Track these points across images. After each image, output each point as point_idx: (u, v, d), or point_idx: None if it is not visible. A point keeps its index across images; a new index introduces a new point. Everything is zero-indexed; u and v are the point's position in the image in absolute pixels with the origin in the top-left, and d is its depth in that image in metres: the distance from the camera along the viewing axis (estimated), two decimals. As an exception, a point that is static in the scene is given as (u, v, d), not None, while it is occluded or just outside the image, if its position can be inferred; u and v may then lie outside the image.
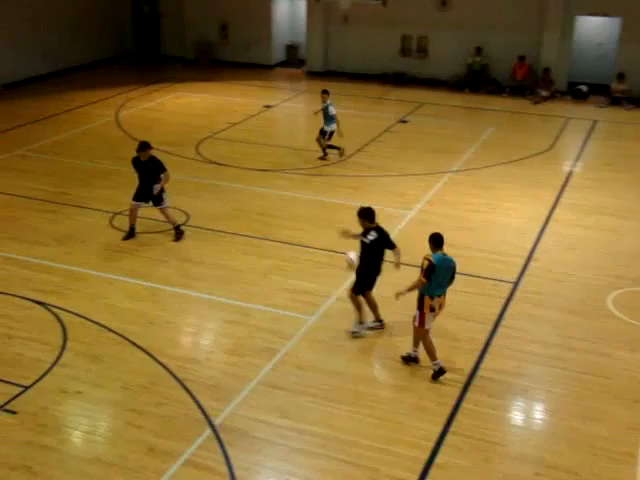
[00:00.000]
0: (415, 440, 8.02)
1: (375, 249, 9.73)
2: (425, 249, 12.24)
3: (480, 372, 9.19)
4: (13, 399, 8.49)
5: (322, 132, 16.37)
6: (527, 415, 8.74)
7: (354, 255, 9.86)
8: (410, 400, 8.69)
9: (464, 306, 10.64)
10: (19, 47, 22.34)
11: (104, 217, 13.39)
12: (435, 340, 9.45)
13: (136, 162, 12.34)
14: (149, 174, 12.24)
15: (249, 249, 12.35)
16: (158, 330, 10.01)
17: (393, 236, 12.80)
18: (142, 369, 9.14)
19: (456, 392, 8.79)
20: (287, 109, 21.77)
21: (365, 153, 17.24)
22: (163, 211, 12.56)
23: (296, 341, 9.77)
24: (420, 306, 9.01)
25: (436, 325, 10.14)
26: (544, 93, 22.07)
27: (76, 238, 12.61)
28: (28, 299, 10.63)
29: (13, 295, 10.73)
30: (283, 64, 26.46)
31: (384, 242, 9.82)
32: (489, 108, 21.51)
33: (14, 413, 8.28)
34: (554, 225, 13.48)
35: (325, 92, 16.32)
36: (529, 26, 22.46)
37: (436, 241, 9.01)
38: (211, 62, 25.97)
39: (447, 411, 8.47)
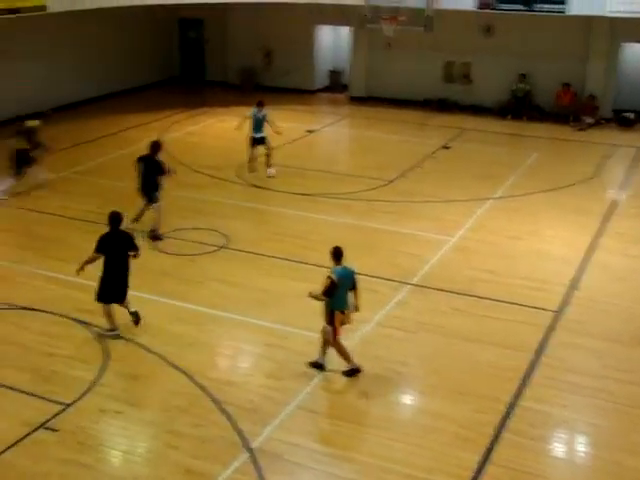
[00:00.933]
0: (454, 469, 7.90)
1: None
2: (465, 276, 12.25)
3: (520, 401, 9.03)
4: (54, 417, 8.58)
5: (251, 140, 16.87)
6: (568, 447, 8.56)
7: None
8: (449, 428, 8.56)
9: (504, 334, 10.50)
10: (69, 71, 22.87)
11: (145, 238, 13.54)
12: (474, 367, 9.33)
13: (143, 160, 13.42)
14: (151, 173, 13.29)
15: (287, 272, 12.37)
16: (197, 352, 10.05)
17: (433, 262, 12.79)
18: (181, 390, 9.18)
19: (496, 421, 8.65)
20: (329, 134, 21.88)
21: (406, 179, 17.21)
22: (156, 208, 13.42)
23: (334, 366, 9.72)
24: (331, 321, 9.17)
25: (475, 353, 10.04)
26: (588, 120, 21.84)
27: (119, 259, 12.75)
28: (70, 318, 10.78)
29: (56, 314, 10.88)
30: (326, 89, 26.66)
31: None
32: (532, 135, 21.36)
33: (55, 431, 8.36)
34: (598, 254, 13.26)
35: (259, 104, 16.88)
36: (574, 53, 22.30)
37: (337, 255, 9.19)
38: (255, 87, 26.25)
39: (487, 441, 8.33)
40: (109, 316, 10.30)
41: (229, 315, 11.02)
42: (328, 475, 7.87)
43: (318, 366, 9.55)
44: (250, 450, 8.11)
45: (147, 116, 22.37)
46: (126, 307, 10.48)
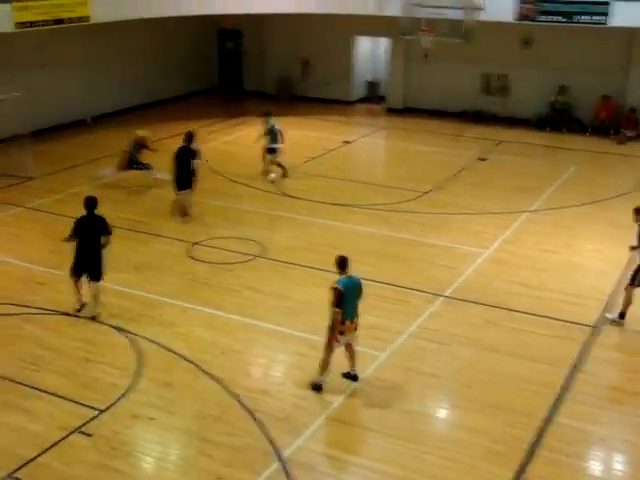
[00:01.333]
0: (486, 484, 7.83)
1: None
2: (499, 288, 12.15)
3: (556, 417, 8.92)
4: (89, 422, 8.68)
5: (269, 150, 17.40)
6: (605, 465, 8.43)
7: None
8: (482, 442, 8.49)
9: (539, 349, 10.39)
10: (110, 80, 23.23)
11: (182, 247, 13.68)
12: (508, 381, 9.24)
13: (179, 151, 14.76)
14: (187, 161, 14.69)
15: (321, 282, 12.32)
16: (230, 360, 10.11)
17: (468, 274, 12.71)
18: (214, 398, 9.23)
19: (530, 437, 8.55)
20: (365, 145, 21.90)
21: (442, 190, 17.15)
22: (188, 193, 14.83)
23: (366, 377, 9.71)
24: (332, 329, 9.05)
25: (509, 367, 9.95)
26: (629, 133, 21.55)
27: (154, 266, 12.91)
28: (106, 324, 10.91)
29: (92, 320, 11.02)
30: (363, 100, 26.71)
31: None
32: (571, 147, 21.14)
33: (89, 435, 8.47)
34: (637, 269, 13.06)
35: (267, 114, 17.60)
36: (615, 65, 22.04)
37: (341, 264, 9.08)
38: (292, 97, 26.43)
39: (520, 456, 8.24)
40: (76, 292, 11.13)
41: (263, 324, 11.06)
42: (359, 487, 7.86)
43: (351, 377, 9.53)
44: (282, 460, 8.12)
45: (185, 125, 22.45)
46: (95, 294, 11.08)
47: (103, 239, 11.00)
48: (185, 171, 14.77)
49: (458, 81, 24.03)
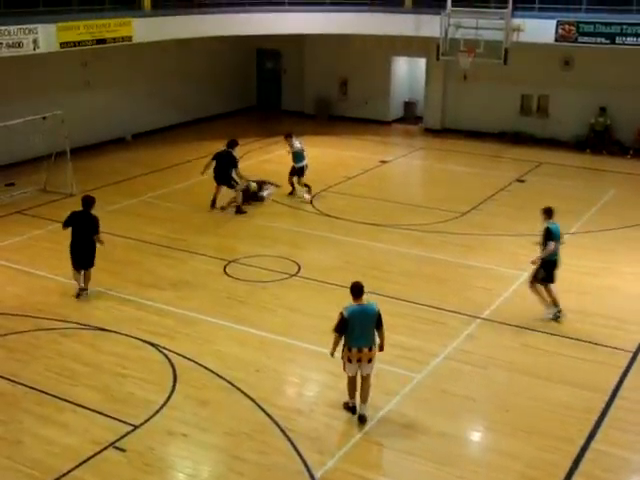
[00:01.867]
0: (521, 511, 7.68)
1: None
2: (536, 312, 11.97)
3: (594, 444, 8.74)
4: (123, 437, 8.73)
5: (293, 170, 17.62)
6: (644, 494, 8.24)
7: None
8: (517, 467, 8.35)
9: (578, 373, 10.22)
10: (149, 98, 23.58)
11: (218, 264, 13.74)
12: (544, 405, 9.09)
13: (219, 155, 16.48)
14: (225, 165, 16.31)
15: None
16: (264, 378, 10.10)
17: (505, 297, 12.56)
18: (247, 416, 9.22)
19: (567, 463, 8.38)
20: (402, 165, 21.86)
21: (479, 211, 17.03)
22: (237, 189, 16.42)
23: (401, 398, 9.63)
24: (343, 354, 8.95)
25: (546, 391, 9.79)
26: (671, 156, 21.25)
27: (190, 283, 12.99)
28: (142, 340, 10.99)
29: (128, 335, 11.12)
30: (400, 120, 26.71)
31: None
32: (611, 170, 20.88)
33: (123, 451, 8.51)
34: (678, 293, 12.82)
35: (289, 136, 17.79)
36: (656, 87, 21.79)
37: (354, 291, 8.83)
38: (329, 117, 26.53)
39: (556, 483, 8.08)
40: (77, 280, 12.36)
41: (298, 343, 11.05)
42: (392, 510, 7.77)
43: (359, 416, 9.10)
44: (313, 479, 8.07)
45: (224, 144, 22.76)
46: (86, 278, 12.36)
47: (95, 237, 12.17)
48: (223, 170, 16.30)
49: (497, 102, 23.91)
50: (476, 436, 9.35)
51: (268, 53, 27.62)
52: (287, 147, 17.95)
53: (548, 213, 11.66)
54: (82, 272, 12.36)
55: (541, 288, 11.75)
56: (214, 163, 16.48)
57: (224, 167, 16.35)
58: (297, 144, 17.71)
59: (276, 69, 27.85)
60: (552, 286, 11.76)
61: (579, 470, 8.30)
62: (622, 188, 19.02)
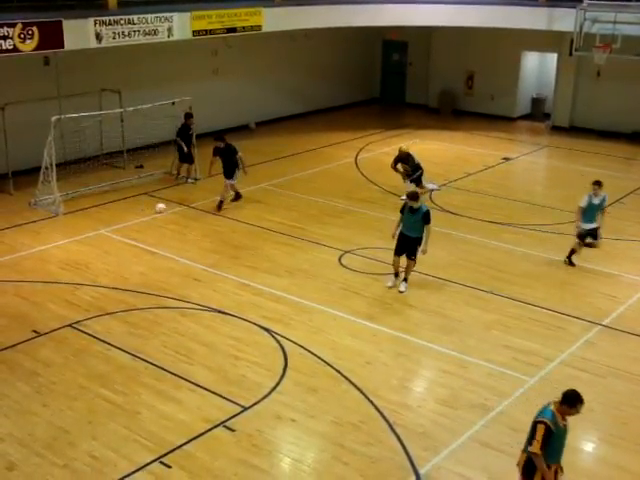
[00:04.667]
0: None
1: None
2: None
3: None
4: (233, 417, 8.96)
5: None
6: None
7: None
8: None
9: None
10: (276, 88, 24.00)
11: (335, 254, 13.84)
12: None
13: (217, 150, 16.38)
14: (228, 157, 16.31)
15: (473, 301, 12.15)
16: (374, 371, 10.10)
17: (630, 304, 12.02)
18: (354, 407, 9.26)
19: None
20: (526, 163, 21.28)
21: (606, 215, 16.32)
22: (231, 185, 16.37)
23: (512, 401, 9.41)
24: (529, 476, 6.99)
25: None
26: None
27: (307, 272, 13.14)
28: (257, 325, 11.22)
29: (244, 319, 11.38)
30: (527, 117, 26.02)
31: None
32: None
33: (233, 431, 8.73)
34: None
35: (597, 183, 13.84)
36: None
37: (570, 400, 6.85)
38: (453, 111, 26.16)
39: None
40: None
41: (411, 338, 10.99)
42: (497, 514, 7.61)
43: None
44: (418, 476, 8.02)
45: (345, 135, 22.91)
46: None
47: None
48: (231, 164, 16.32)
49: (631, 101, 22.85)
50: (590, 447, 9.02)
51: (394, 45, 27.48)
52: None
53: None
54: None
55: None
56: (218, 160, 16.47)
57: (231, 161, 16.32)
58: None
59: (402, 61, 27.68)
60: None
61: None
62: None
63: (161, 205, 16.02)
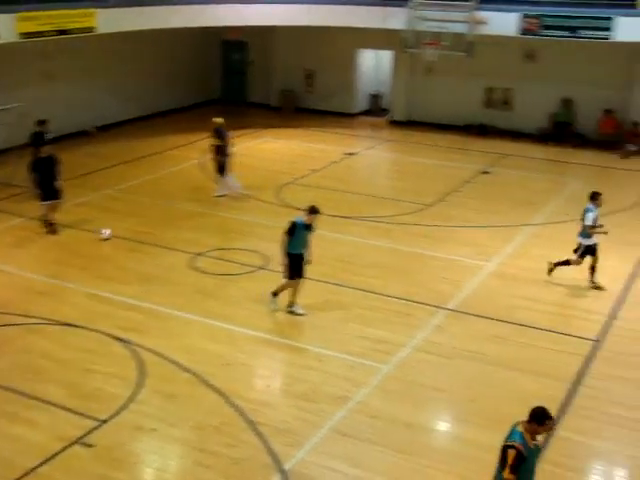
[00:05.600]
0: (488, 499, 7.78)
1: None
2: (503, 302, 12.12)
3: (558, 432, 8.88)
4: (90, 432, 8.66)
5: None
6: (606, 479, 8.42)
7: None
8: (484, 456, 8.42)
9: (543, 362, 10.37)
10: (114, 91, 23.32)
11: (187, 258, 13.68)
12: (511, 395, 9.21)
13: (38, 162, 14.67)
14: (51, 169, 14.53)
15: (326, 295, 12.39)
16: (233, 372, 10.09)
17: (471, 288, 12.70)
18: (215, 409, 9.21)
19: (533, 451, 8.51)
20: (368, 157, 21.94)
21: (445, 203, 17.17)
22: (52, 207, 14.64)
23: (370, 390, 9.69)
24: None
25: (513, 381, 9.93)
26: (632, 147, 21.56)
27: (158, 277, 12.91)
28: (110, 335, 10.90)
29: (95, 330, 11.02)
30: (366, 113, 26.78)
31: None
32: (574, 161, 21.17)
33: (91, 446, 8.44)
34: (639, 285, 13.05)
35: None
36: (617, 80, 22.08)
37: (537, 417, 6.52)
38: (295, 109, 26.50)
39: (522, 471, 8.19)
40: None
41: (268, 336, 11.06)
42: (361, 500, 7.83)
43: None
44: (283, 472, 8.10)
45: (191, 136, 22.63)
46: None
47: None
48: (51, 179, 14.54)
49: (462, 95, 24.09)
50: (445, 426, 9.47)
51: (234, 44, 27.44)
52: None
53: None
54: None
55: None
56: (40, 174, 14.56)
57: (51, 175, 14.56)
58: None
59: (242, 61, 27.69)
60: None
61: (545, 457, 8.42)
62: (585, 180, 19.20)
63: (106, 231, 14.40)
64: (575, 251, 12.79)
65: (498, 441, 8.72)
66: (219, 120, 17.14)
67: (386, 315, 11.69)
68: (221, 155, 16.93)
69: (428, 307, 11.98)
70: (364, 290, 12.52)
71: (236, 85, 27.89)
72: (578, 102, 22.65)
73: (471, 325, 11.49)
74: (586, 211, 12.69)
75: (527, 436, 6.44)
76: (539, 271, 13.31)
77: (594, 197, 12.78)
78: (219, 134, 16.99)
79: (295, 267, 11.44)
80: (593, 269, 12.78)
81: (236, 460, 8.29)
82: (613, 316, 11.79)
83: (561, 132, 22.74)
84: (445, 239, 14.92)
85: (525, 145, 22.58)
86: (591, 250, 12.69)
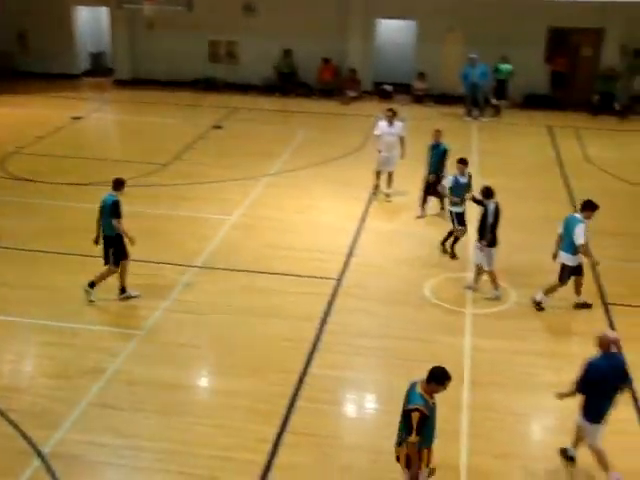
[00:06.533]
0: (252, 443, 8.09)
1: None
2: (248, 253, 12.45)
3: (312, 369, 9.41)
4: None
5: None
6: (358, 406, 9.09)
7: None
8: (246, 404, 8.74)
9: (292, 306, 10.85)
10: None
11: None
12: (265, 342, 9.55)
13: None
14: None
15: (66, 267, 11.86)
16: (-24, 361, 9.41)
17: (216, 242, 12.86)
18: (-39, 405, 8.56)
19: (289, 391, 8.95)
20: (96, 120, 21.14)
21: (182, 161, 17.10)
22: None
23: (125, 357, 9.54)
24: (410, 463, 6.79)
25: (266, 328, 10.28)
26: (352, 94, 22.88)
27: None
28: None
29: None
30: (90, 73, 25.64)
31: None
32: (300, 110, 22.00)
33: None
34: (369, 222, 14.01)
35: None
36: (334, 29, 23.14)
37: (437, 378, 6.67)
38: (12, 73, 24.62)
39: (282, 411, 8.60)
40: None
41: (7, 317, 10.39)
42: (132, 469, 7.78)
43: None
44: (42, 456, 7.77)
45: None
46: None
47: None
48: None
49: (186, 49, 23.86)
50: (205, 382, 9.62)
51: None
52: None
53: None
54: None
55: None
56: None
57: None
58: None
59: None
60: None
61: (301, 395, 8.91)
62: (312, 127, 20.18)
63: None
64: (560, 274, 10.60)
65: (260, 387, 9.08)
66: None
67: (135, 280, 11.43)
68: None
69: (176, 266, 11.95)
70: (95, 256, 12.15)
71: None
72: (298, 52, 23.44)
73: (220, 279, 11.67)
74: (572, 224, 10.16)
75: (426, 396, 6.68)
76: (279, 219, 13.81)
77: (586, 208, 10.06)
78: None
79: (122, 248, 10.73)
80: (578, 287, 10.82)
81: (-10, 453, 7.81)
82: (349, 255, 12.59)
83: (286, 83, 23.48)
84: (184, 197, 14.89)
85: (253, 97, 23.05)
86: (577, 271, 10.58)
